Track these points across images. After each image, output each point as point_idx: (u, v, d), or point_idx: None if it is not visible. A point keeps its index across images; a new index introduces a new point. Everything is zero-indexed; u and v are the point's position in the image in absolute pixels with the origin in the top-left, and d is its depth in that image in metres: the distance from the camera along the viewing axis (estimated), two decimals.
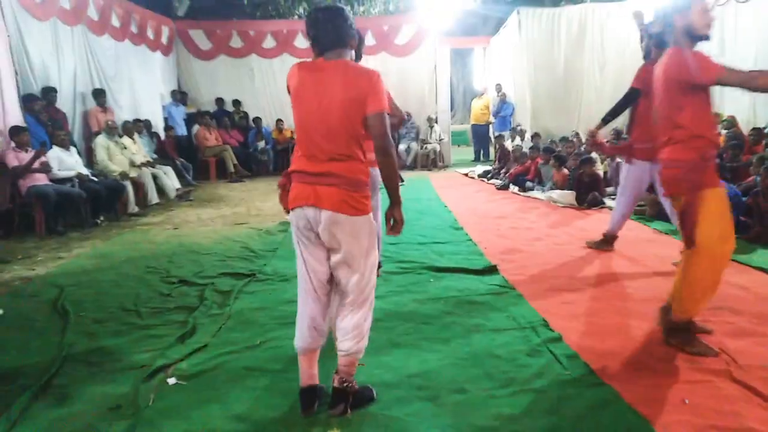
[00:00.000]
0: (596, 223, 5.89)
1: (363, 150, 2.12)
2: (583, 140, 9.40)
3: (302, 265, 2.19)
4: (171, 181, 8.44)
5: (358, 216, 2.08)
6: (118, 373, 2.67)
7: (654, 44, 3.86)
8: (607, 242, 4.68)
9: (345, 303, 2.19)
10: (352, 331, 2.17)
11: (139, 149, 8.18)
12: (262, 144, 11.63)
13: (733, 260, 4.12)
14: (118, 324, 3.33)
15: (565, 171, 7.49)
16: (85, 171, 6.75)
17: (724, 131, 7.53)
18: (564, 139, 9.32)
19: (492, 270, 4.13)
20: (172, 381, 2.54)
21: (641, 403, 2.20)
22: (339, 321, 2.21)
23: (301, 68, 2.14)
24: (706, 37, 2.57)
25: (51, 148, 6.39)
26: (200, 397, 2.40)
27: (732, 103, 7.93)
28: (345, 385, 2.22)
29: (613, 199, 6.93)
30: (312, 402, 2.24)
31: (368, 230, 2.13)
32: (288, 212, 2.18)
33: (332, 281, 2.22)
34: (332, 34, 2.11)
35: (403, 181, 8.27)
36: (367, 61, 4.51)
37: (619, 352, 2.70)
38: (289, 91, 2.18)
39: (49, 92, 6.99)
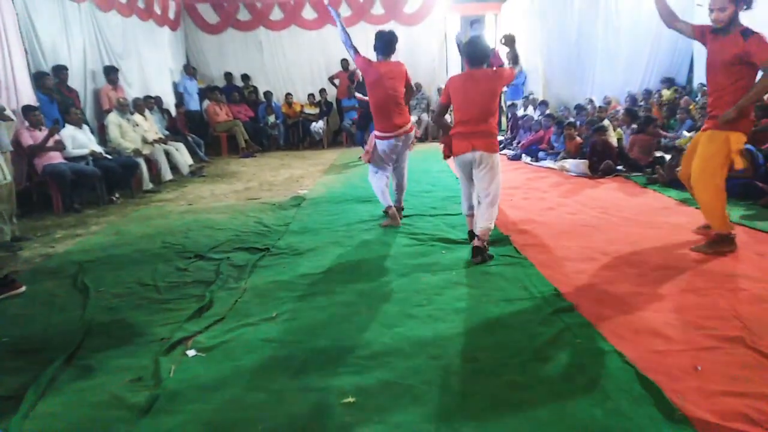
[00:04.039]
0: (609, 191, 5.84)
1: (495, 117, 3.75)
2: (597, 107, 9.25)
3: (463, 179, 3.96)
4: (183, 157, 8.48)
5: (495, 153, 3.72)
6: (138, 345, 2.74)
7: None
8: None
9: (484, 201, 3.76)
10: (488, 216, 3.73)
11: (150, 126, 8.21)
12: (272, 118, 11.60)
13: (747, 226, 4.13)
14: (137, 298, 3.40)
15: (578, 140, 7.40)
16: (98, 149, 6.79)
17: None
18: (578, 107, 9.17)
19: (504, 240, 4.13)
20: (191, 353, 2.61)
21: (654, 370, 2.21)
22: (480, 211, 3.79)
23: (461, 78, 3.81)
24: None
25: (64, 126, 6.44)
26: (219, 368, 2.46)
27: None
28: (483, 244, 3.70)
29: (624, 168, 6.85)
30: (474, 236, 3.81)
31: (498, 161, 3.75)
32: (448, 157, 4.01)
33: (473, 184, 3.87)
34: (478, 56, 3.75)
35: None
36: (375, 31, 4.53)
37: (632, 320, 2.71)
38: (446, 95, 3.90)
39: (61, 70, 6.97)
